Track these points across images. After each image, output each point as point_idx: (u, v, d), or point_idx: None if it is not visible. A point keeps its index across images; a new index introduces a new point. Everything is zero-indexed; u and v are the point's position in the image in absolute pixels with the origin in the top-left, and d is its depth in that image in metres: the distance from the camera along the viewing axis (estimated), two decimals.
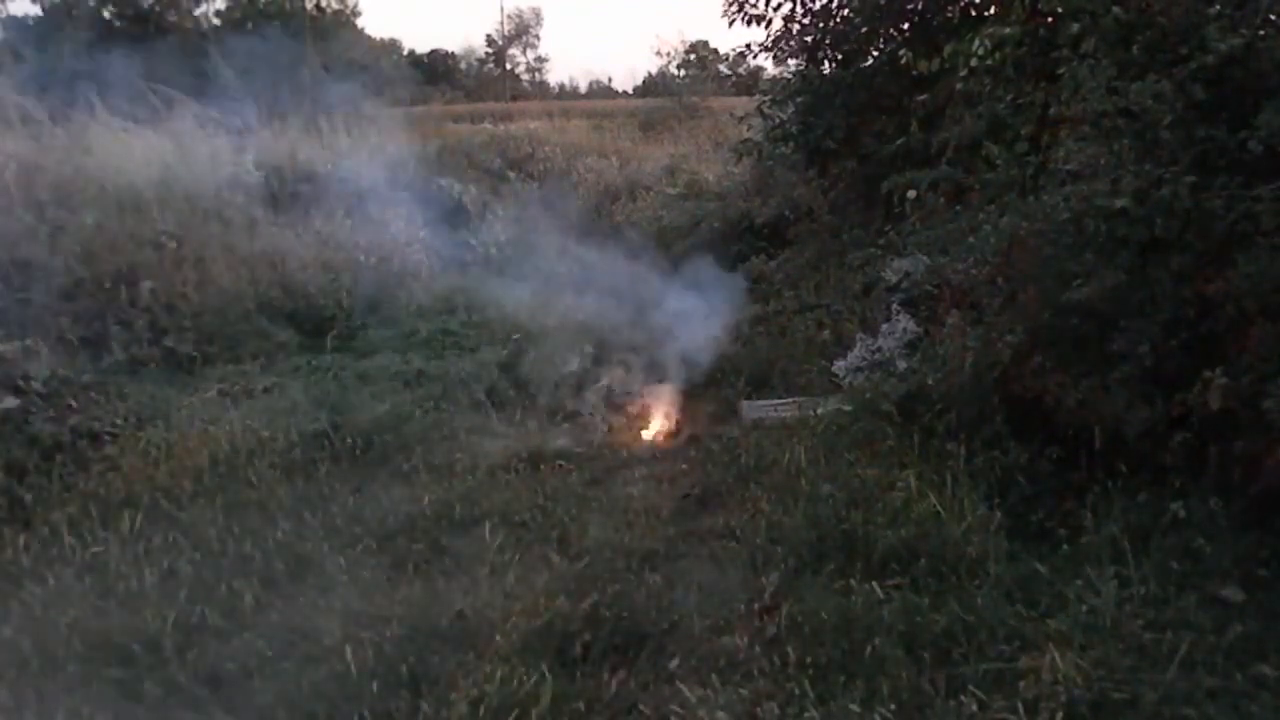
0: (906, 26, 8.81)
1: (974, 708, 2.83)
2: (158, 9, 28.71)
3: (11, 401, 5.46)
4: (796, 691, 3.00)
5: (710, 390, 6.45)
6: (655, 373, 6.86)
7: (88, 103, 9.84)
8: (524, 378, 6.65)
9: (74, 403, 5.79)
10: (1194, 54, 3.77)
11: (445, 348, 7.70)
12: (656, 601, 3.72)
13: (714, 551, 4.15)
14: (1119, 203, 3.77)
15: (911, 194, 6.97)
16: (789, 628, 3.35)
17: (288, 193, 10.22)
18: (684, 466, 5.30)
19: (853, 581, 3.55)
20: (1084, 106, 4.14)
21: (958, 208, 6.06)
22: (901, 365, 5.44)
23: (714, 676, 3.15)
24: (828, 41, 9.39)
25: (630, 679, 3.23)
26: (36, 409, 5.54)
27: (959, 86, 6.71)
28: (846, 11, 9.19)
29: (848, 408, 5.12)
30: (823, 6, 9.34)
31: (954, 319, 5.12)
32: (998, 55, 6.24)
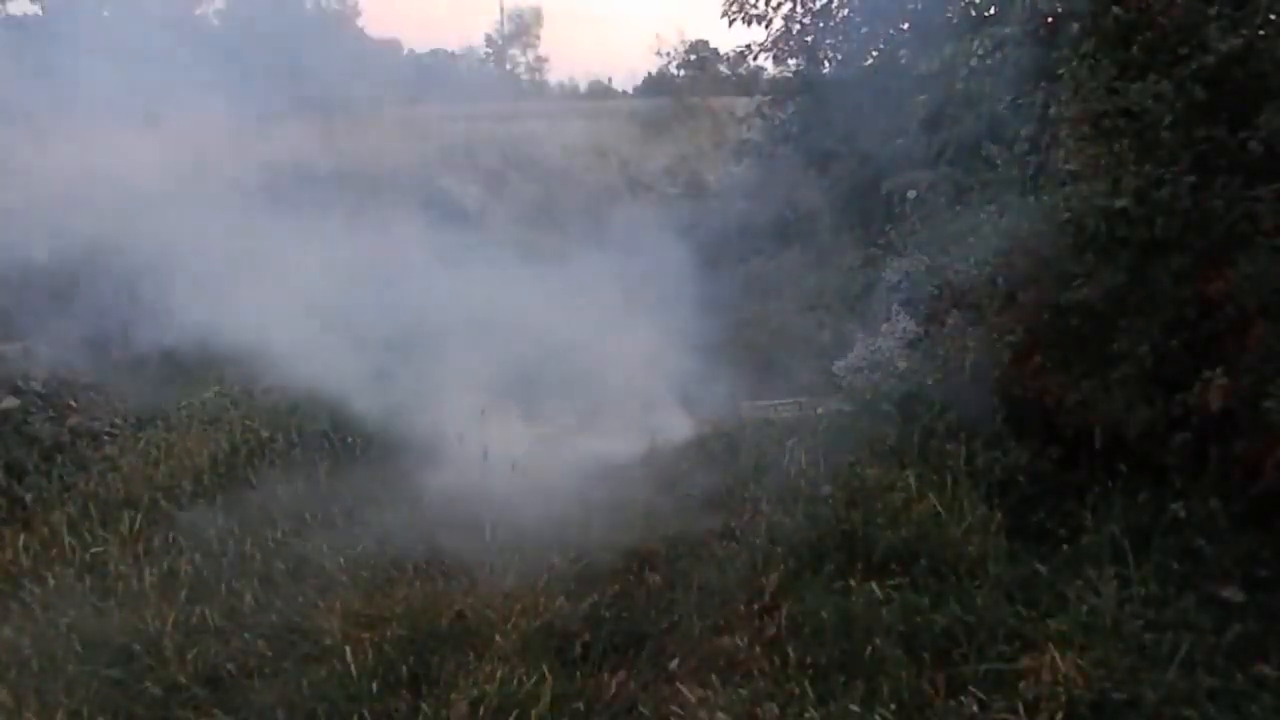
0: (906, 26, 8.81)
1: (974, 708, 2.84)
2: (158, 8, 28.72)
3: (11, 401, 5.47)
4: (796, 691, 3.01)
5: (709, 390, 6.43)
6: (654, 371, 6.85)
7: (88, 103, 9.81)
8: (525, 376, 6.63)
9: (74, 403, 5.81)
10: (1194, 54, 3.76)
11: (445, 346, 7.67)
12: (656, 601, 3.72)
13: (714, 551, 4.15)
14: (1119, 203, 3.77)
15: (911, 194, 6.96)
16: (789, 628, 3.36)
17: (289, 192, 10.20)
18: (684, 467, 5.30)
19: (853, 581, 3.56)
20: (1084, 106, 4.13)
21: (958, 208, 6.05)
22: (901, 365, 5.44)
23: (714, 676, 3.15)
24: (828, 41, 9.38)
25: (630, 679, 3.24)
26: (36, 409, 5.55)
27: (959, 86, 6.70)
28: (846, 11, 9.18)
29: (848, 408, 5.12)
30: (823, 6, 9.33)
31: (954, 319, 5.11)
32: (998, 55, 6.23)
